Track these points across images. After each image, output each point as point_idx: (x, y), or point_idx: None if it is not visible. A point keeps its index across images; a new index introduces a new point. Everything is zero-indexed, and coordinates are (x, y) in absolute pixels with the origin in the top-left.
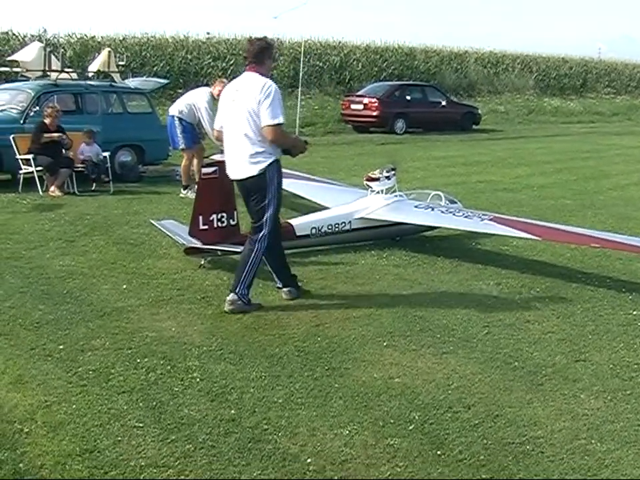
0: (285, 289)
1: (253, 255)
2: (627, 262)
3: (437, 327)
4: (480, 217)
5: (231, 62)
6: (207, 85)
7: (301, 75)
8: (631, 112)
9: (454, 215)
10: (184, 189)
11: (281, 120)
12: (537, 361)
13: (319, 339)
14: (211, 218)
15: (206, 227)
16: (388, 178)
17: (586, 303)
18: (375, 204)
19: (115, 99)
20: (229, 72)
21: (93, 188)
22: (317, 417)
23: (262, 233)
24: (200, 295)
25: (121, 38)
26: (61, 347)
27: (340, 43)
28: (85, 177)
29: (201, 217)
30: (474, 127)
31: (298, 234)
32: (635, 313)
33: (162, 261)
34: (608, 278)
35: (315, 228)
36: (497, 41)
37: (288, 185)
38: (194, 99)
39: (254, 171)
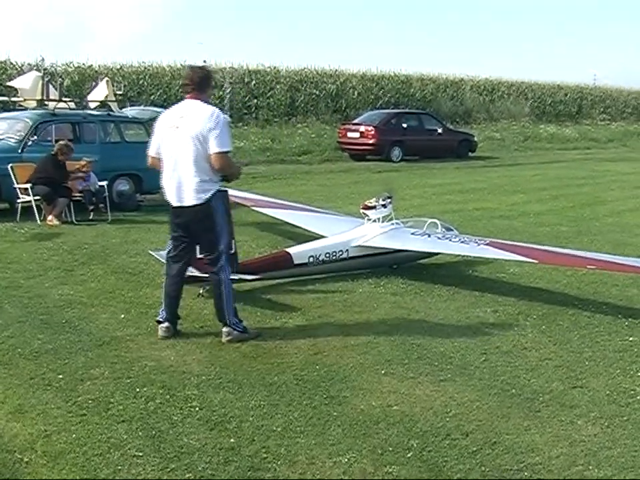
0: (164, 325)
1: (223, 286)
2: (623, 288)
3: (434, 355)
4: (476, 242)
5: (227, 90)
6: None
7: (226, 100)
8: (626, 138)
9: (450, 240)
10: None
11: (229, 148)
12: (534, 388)
13: (317, 367)
14: None
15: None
16: (384, 206)
17: (583, 330)
18: (371, 232)
19: (113, 128)
20: (225, 101)
21: (91, 217)
22: (315, 445)
23: (220, 264)
24: (198, 323)
25: (118, 67)
26: (60, 376)
27: (336, 71)
28: (83, 206)
29: (198, 247)
30: (470, 154)
31: (296, 262)
32: (631, 339)
33: (160, 290)
34: (604, 304)
35: (312, 256)
36: (493, 68)
37: (284, 215)
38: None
39: (199, 199)
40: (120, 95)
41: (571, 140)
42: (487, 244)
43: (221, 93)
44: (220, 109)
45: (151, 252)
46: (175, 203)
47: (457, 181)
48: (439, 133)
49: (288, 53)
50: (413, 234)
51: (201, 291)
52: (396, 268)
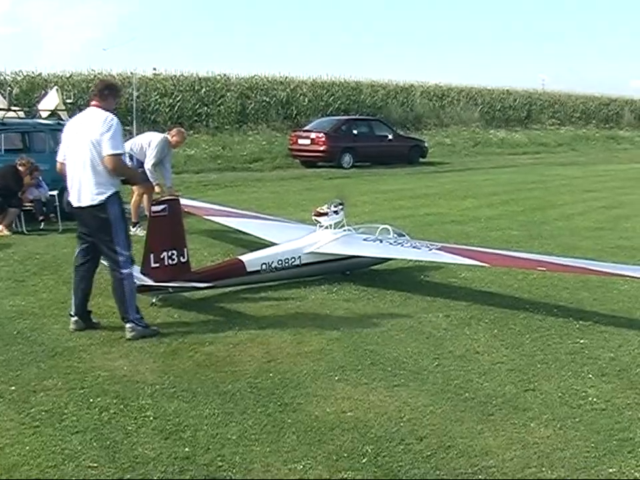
0: (74, 318)
1: (124, 284)
2: (574, 291)
3: (387, 360)
4: (428, 247)
5: (178, 98)
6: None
7: (134, 108)
8: (575, 142)
9: (402, 246)
10: (132, 226)
11: (120, 150)
12: (487, 392)
13: (271, 374)
14: (162, 256)
15: (157, 264)
16: (336, 212)
17: (534, 333)
18: (323, 239)
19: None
20: (175, 108)
21: (42, 227)
22: (270, 453)
23: (120, 262)
24: None
25: (68, 75)
26: (13, 388)
27: (287, 78)
28: (34, 216)
29: (152, 255)
30: (421, 160)
31: (248, 270)
32: (582, 341)
33: (112, 299)
34: (555, 307)
35: (265, 264)
36: (442, 73)
37: (236, 223)
38: (149, 140)
39: (95, 200)
40: (70, 103)
41: (520, 145)
42: (439, 249)
43: (171, 100)
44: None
45: (102, 261)
46: (75, 203)
47: (408, 186)
48: (390, 139)
49: (238, 61)
50: (365, 240)
51: (154, 300)
52: (349, 274)
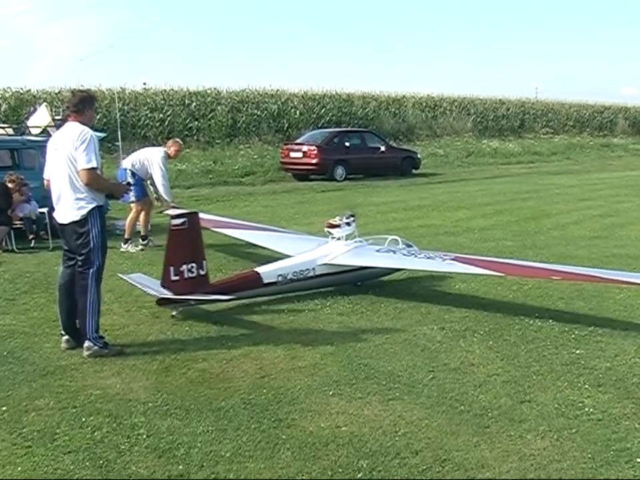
0: (65, 337)
1: (90, 299)
2: (569, 301)
3: (382, 374)
4: (442, 257)
5: (168, 113)
6: (142, 136)
7: (119, 122)
8: (569, 151)
9: (416, 256)
10: (124, 243)
11: (94, 164)
12: (482, 404)
13: (264, 390)
14: (182, 268)
15: (177, 277)
16: (348, 224)
17: (529, 344)
18: (336, 250)
19: None
20: (166, 123)
21: (32, 245)
22: (265, 469)
23: (91, 276)
24: (144, 349)
25: (57, 91)
26: (4, 408)
27: (277, 90)
28: (24, 234)
29: (172, 268)
30: (414, 171)
31: (265, 281)
32: (577, 351)
33: (104, 317)
34: (551, 318)
35: (281, 275)
36: (434, 83)
37: (246, 235)
38: (149, 156)
39: (76, 216)
40: (59, 119)
41: (514, 154)
42: (453, 259)
43: (161, 115)
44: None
45: (120, 275)
46: (59, 220)
47: (400, 198)
48: (382, 151)
49: (229, 74)
50: (377, 251)
51: (174, 313)
52: (360, 285)
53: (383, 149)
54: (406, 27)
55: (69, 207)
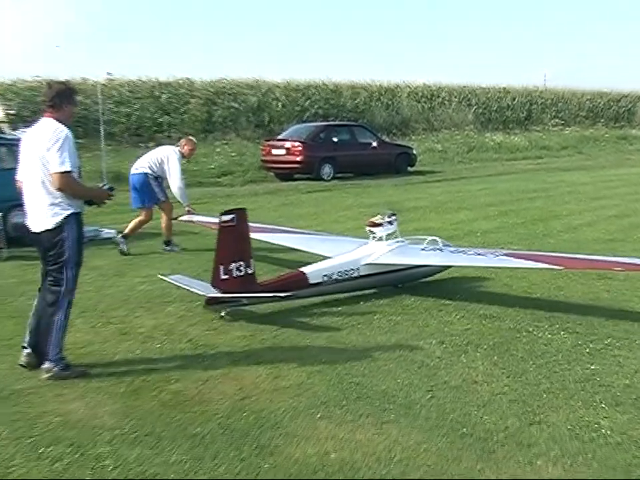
0: (26, 350)
1: (57, 316)
2: (583, 310)
3: (375, 394)
4: (493, 254)
5: (136, 106)
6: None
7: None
8: (582, 145)
9: (465, 253)
10: (166, 245)
11: (68, 167)
12: (487, 426)
13: (245, 414)
14: (230, 267)
15: (226, 276)
16: (390, 223)
17: (539, 359)
18: (379, 249)
19: (5, 153)
20: (133, 118)
21: None
22: None
23: (62, 290)
24: (110, 370)
25: (9, 83)
26: None
27: (257, 80)
28: None
29: (221, 267)
30: (409, 168)
31: (311, 282)
32: (593, 367)
33: (65, 333)
34: (562, 330)
35: (326, 275)
36: (431, 71)
37: (283, 238)
38: (163, 155)
39: (50, 224)
40: (12, 114)
41: (520, 149)
42: (505, 254)
43: (127, 109)
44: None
45: (160, 276)
46: (32, 228)
47: (395, 199)
48: (374, 147)
49: (203, 63)
50: (423, 249)
51: (223, 313)
52: (400, 287)
53: (374, 144)
54: (399, 9)
55: (42, 213)
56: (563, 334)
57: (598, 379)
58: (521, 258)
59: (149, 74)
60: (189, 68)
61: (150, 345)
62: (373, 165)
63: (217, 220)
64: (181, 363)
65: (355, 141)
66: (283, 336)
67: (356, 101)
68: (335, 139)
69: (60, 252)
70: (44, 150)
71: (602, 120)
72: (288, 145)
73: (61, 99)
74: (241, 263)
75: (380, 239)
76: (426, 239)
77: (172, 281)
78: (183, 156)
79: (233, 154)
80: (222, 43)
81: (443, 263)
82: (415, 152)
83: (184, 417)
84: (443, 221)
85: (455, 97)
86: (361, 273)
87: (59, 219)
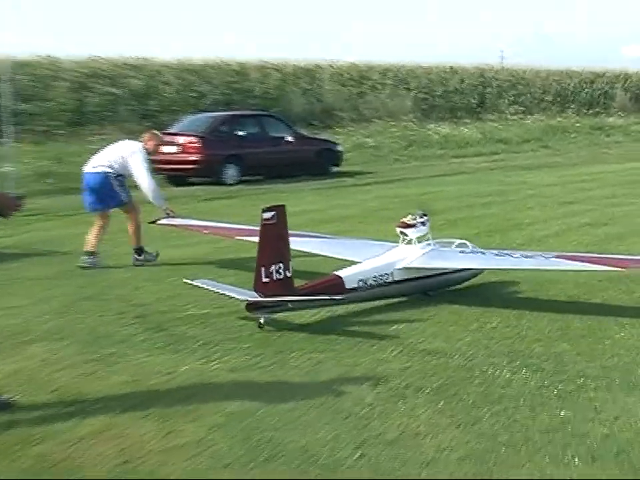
0: None
1: None
2: (550, 343)
3: (292, 452)
4: (542, 256)
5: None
6: None
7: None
8: (547, 137)
9: (510, 256)
10: (138, 254)
11: None
12: None
13: None
14: (271, 269)
15: (267, 279)
16: (423, 224)
17: (495, 404)
18: (413, 253)
19: None
20: None
21: None
22: None
23: None
24: None
25: None
26: None
27: (142, 59)
28: None
29: (263, 269)
30: (334, 169)
31: (348, 287)
32: (562, 413)
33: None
34: (524, 367)
35: (361, 280)
36: (359, 48)
37: (301, 243)
38: (126, 152)
39: None
40: None
41: (471, 143)
42: (557, 256)
43: None
44: None
45: (186, 280)
46: None
47: (316, 207)
48: (289, 142)
49: (70, 39)
50: (462, 252)
51: (261, 321)
52: (432, 295)
53: (290, 139)
54: None
55: None
56: (525, 372)
57: (569, 428)
58: (575, 260)
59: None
60: (53, 44)
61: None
62: (288, 164)
63: (205, 223)
64: (45, 416)
65: (266, 135)
66: (177, 381)
67: (266, 85)
68: (241, 133)
69: None
70: None
71: (572, 106)
72: (181, 140)
73: None
74: (280, 265)
75: (410, 241)
76: (454, 242)
77: (201, 285)
78: (147, 152)
79: None
80: (95, 11)
81: (488, 266)
82: (340, 148)
83: None
84: (376, 233)
85: (390, 79)
86: (395, 278)
87: None
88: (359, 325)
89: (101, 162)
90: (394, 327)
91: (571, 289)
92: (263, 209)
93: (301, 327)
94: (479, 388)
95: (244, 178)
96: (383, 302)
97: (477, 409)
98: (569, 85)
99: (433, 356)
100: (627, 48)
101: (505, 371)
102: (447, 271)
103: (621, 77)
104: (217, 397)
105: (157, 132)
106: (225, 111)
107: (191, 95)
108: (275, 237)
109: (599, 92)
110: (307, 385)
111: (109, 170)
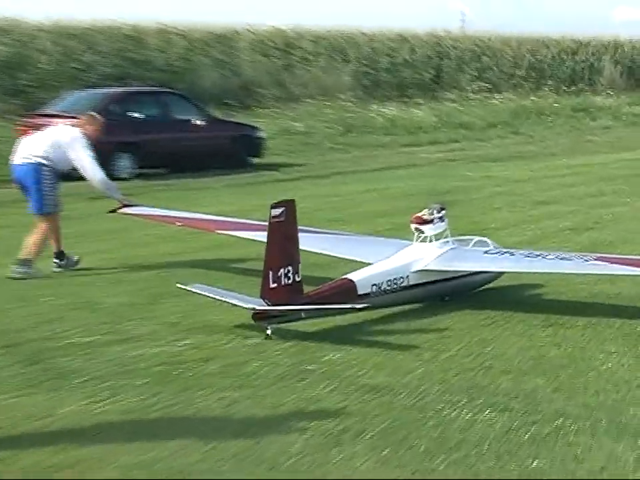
0: None
1: None
2: (520, 377)
3: None
4: (581, 258)
5: None
6: None
7: None
8: (519, 121)
9: (544, 258)
10: (60, 260)
11: None
12: None
13: None
14: (279, 273)
15: (275, 284)
16: (441, 219)
17: (453, 452)
18: (430, 253)
19: None
20: None
21: None
22: None
23: None
24: None
25: None
26: None
27: (11, 21)
28: None
29: (271, 273)
30: (253, 160)
31: (360, 292)
32: (535, 463)
33: None
34: (488, 407)
35: (375, 285)
36: (285, 10)
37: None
38: (63, 139)
39: None
40: None
41: (425, 128)
42: (597, 259)
43: None
44: None
45: (181, 286)
46: None
47: (231, 208)
48: (198, 126)
49: None
50: (486, 253)
51: (269, 332)
52: (447, 300)
53: (199, 122)
54: None
55: None
56: (490, 413)
57: None
58: (618, 263)
59: None
60: None
61: None
62: (197, 154)
63: (178, 214)
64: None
65: (169, 117)
66: (55, 426)
67: (167, 55)
68: (137, 115)
69: None
70: None
71: (550, 82)
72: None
73: None
74: (289, 268)
75: (425, 239)
76: (472, 239)
77: (196, 291)
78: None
79: None
80: None
81: (520, 269)
82: (262, 134)
83: None
84: None
85: (324, 48)
86: (411, 282)
87: None
88: (282, 355)
89: (33, 151)
90: (327, 357)
91: (546, 308)
92: (271, 205)
93: (210, 357)
94: (433, 432)
95: (141, 171)
96: (313, 324)
97: (430, 458)
98: (545, 56)
99: (375, 393)
100: (617, 9)
101: (464, 410)
102: (467, 273)
103: (610, 45)
104: (106, 448)
105: (95, 114)
106: (116, 87)
107: (73, 66)
108: (284, 236)
109: (583, 65)
110: (218, 431)
111: (44, 162)
